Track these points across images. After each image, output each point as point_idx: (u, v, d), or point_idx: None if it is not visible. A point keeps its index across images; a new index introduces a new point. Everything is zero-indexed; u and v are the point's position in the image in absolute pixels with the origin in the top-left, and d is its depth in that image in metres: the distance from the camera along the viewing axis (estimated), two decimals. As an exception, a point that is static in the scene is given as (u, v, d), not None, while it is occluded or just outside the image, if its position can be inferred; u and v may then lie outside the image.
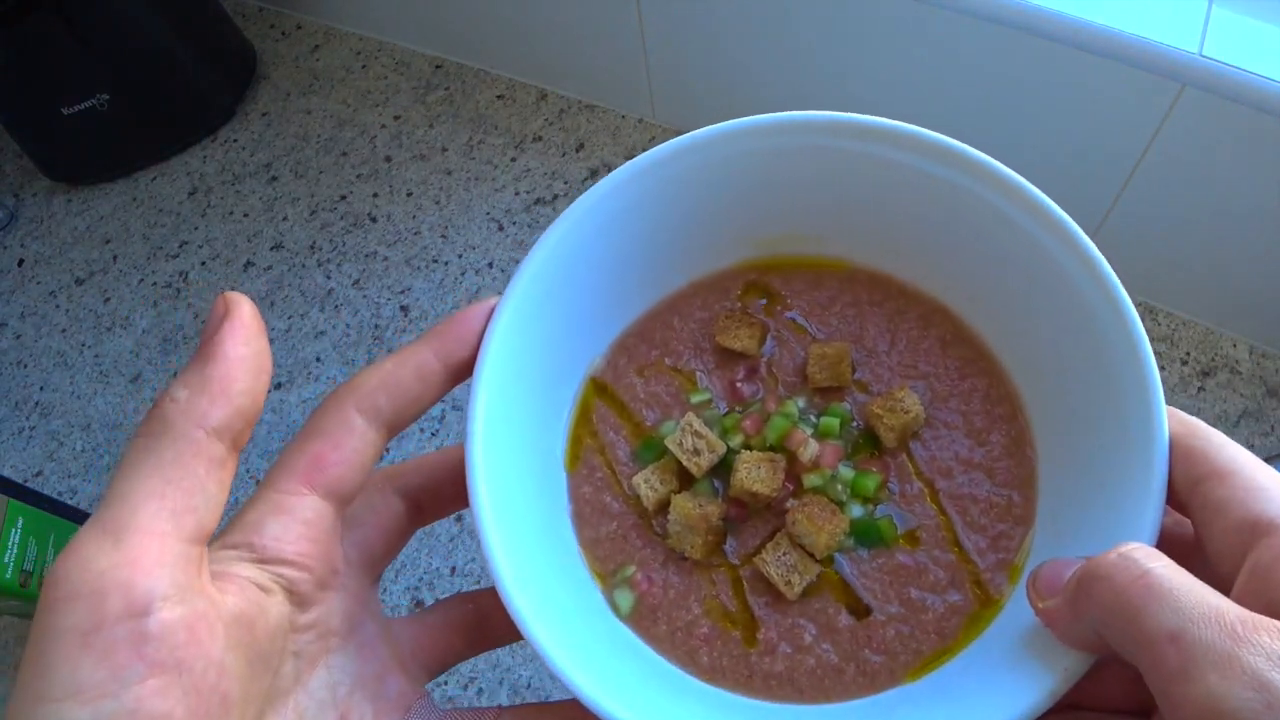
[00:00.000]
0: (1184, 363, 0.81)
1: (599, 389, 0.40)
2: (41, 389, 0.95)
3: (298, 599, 0.28)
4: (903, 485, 0.37)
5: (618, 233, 0.39)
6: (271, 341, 0.98)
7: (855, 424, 0.39)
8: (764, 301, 0.42)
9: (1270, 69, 0.64)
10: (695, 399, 0.40)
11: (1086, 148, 0.76)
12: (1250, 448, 0.76)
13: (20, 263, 1.03)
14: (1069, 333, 0.35)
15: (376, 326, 0.93)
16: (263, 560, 0.27)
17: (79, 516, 0.77)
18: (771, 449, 0.38)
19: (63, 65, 0.95)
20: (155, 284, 0.99)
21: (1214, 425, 0.86)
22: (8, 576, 0.67)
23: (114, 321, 0.97)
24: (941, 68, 0.76)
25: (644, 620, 0.36)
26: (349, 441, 0.29)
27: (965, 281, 0.39)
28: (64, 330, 0.98)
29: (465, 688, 0.75)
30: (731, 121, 0.38)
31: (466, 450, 0.33)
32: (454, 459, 0.33)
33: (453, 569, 0.80)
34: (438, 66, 1.08)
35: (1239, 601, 0.24)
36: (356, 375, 0.30)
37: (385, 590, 0.80)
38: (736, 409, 0.40)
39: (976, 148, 0.36)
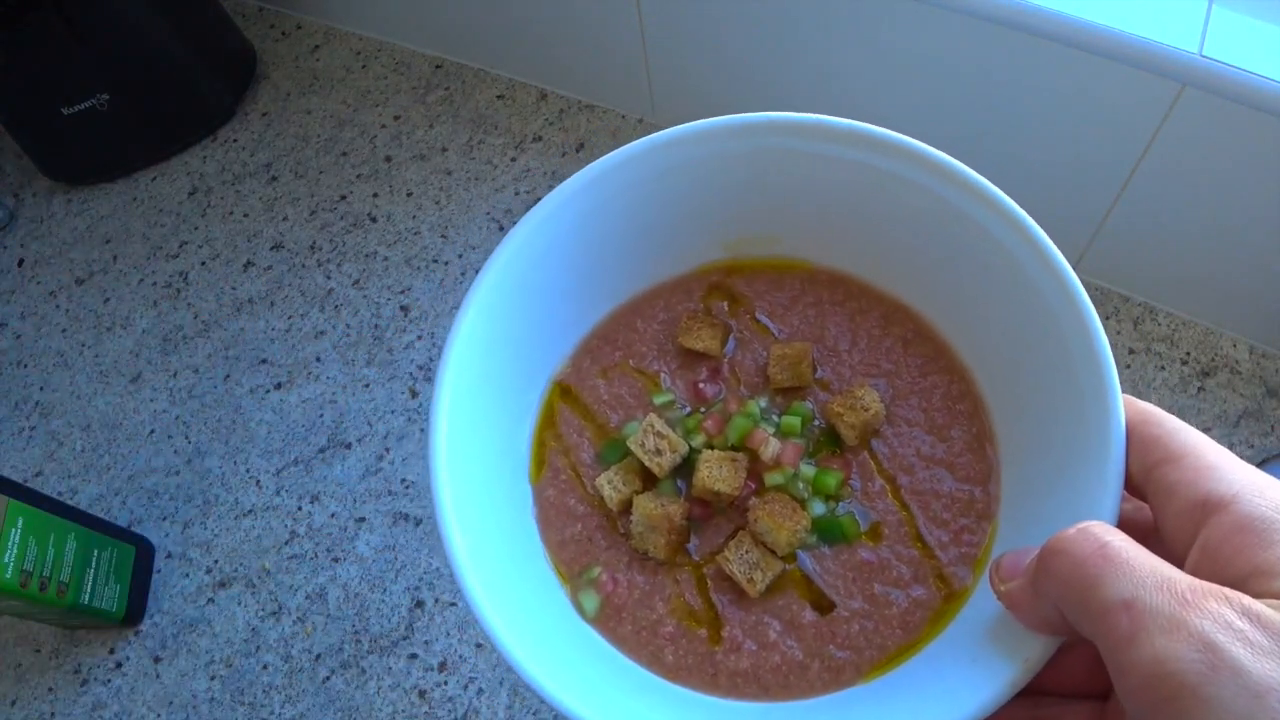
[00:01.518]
0: (1184, 363, 0.81)
1: (563, 392, 0.41)
2: (41, 389, 0.95)
3: None
4: (865, 482, 0.38)
5: (580, 236, 0.39)
6: (271, 341, 0.98)
7: (817, 422, 0.39)
8: (726, 303, 0.42)
9: (1270, 69, 0.64)
10: (658, 400, 0.40)
11: (1086, 148, 0.76)
12: (1250, 448, 0.77)
13: (20, 263, 1.03)
14: (1026, 327, 0.35)
15: (376, 326, 0.93)
16: None
17: (79, 516, 0.77)
18: (733, 448, 0.38)
19: (63, 65, 0.95)
20: (155, 284, 0.99)
21: (1214, 425, 0.85)
22: (8, 576, 0.67)
23: (114, 321, 0.97)
24: (941, 68, 0.76)
25: (609, 621, 0.37)
26: None
27: (925, 279, 0.40)
28: (64, 330, 0.98)
29: (465, 688, 0.75)
30: (689, 125, 0.38)
31: (429, 453, 0.34)
32: None
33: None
34: (438, 66, 1.08)
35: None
36: None
37: (385, 590, 0.80)
38: (699, 409, 0.40)
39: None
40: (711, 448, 0.38)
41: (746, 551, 0.36)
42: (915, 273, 0.40)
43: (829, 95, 0.86)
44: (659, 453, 0.37)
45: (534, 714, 0.74)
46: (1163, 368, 0.81)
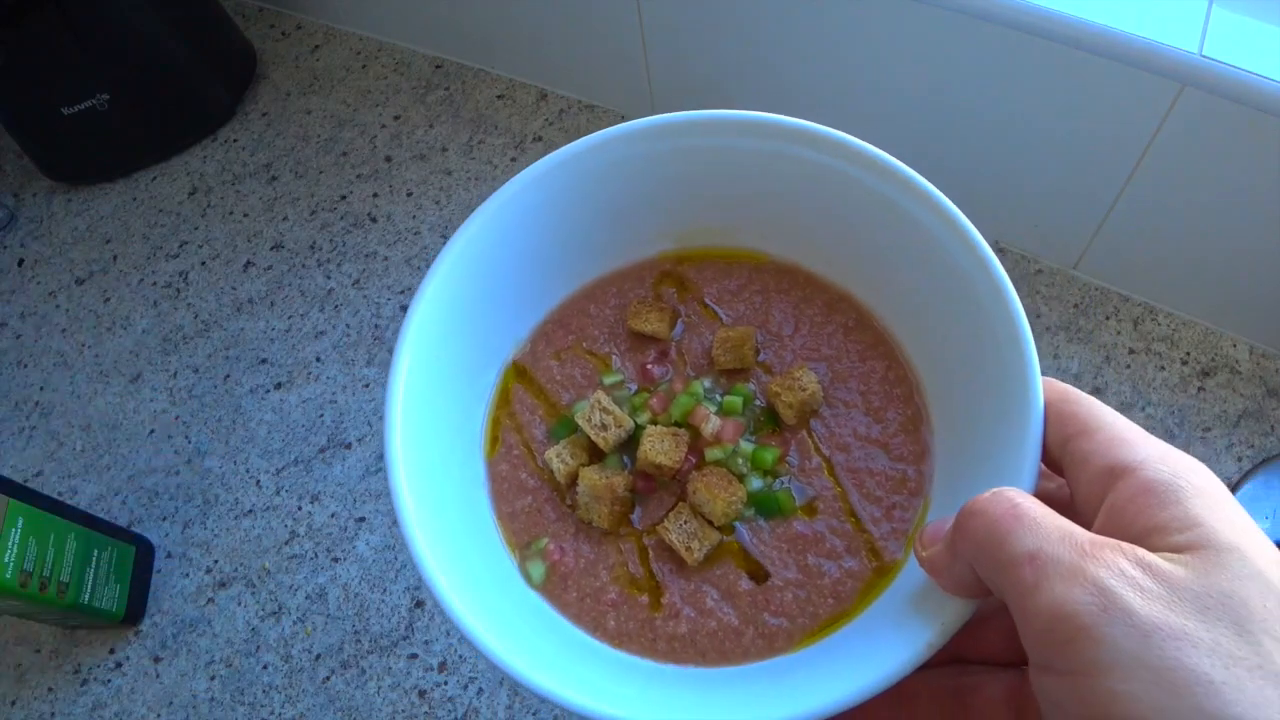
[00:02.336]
0: (1184, 363, 0.81)
1: (519, 372, 0.43)
2: (41, 389, 0.95)
3: None
4: (803, 460, 0.40)
5: (535, 226, 0.42)
6: (271, 341, 0.97)
7: (758, 403, 0.42)
8: (675, 290, 0.45)
9: (1270, 69, 0.64)
10: (608, 380, 0.43)
11: (1086, 148, 0.76)
12: (1250, 448, 0.77)
13: (20, 263, 1.03)
14: (959, 317, 0.38)
15: (376, 326, 0.93)
16: None
17: (79, 516, 0.77)
18: (676, 425, 0.41)
19: (63, 65, 0.96)
20: (155, 284, 0.99)
21: (1214, 425, 0.85)
22: (8, 576, 0.67)
23: (114, 321, 0.98)
24: (940, 68, 0.77)
25: (555, 589, 0.39)
26: None
27: (867, 270, 0.42)
28: (64, 330, 0.98)
29: (465, 687, 0.75)
30: (646, 119, 0.41)
31: (385, 428, 0.36)
32: None
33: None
34: (438, 66, 1.08)
35: None
36: None
37: (385, 590, 0.80)
38: (646, 389, 0.43)
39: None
40: (656, 424, 0.40)
41: (685, 522, 0.39)
42: (858, 264, 0.42)
43: (830, 96, 0.86)
44: (605, 428, 0.40)
45: (534, 714, 0.74)
46: (1163, 368, 0.81)
